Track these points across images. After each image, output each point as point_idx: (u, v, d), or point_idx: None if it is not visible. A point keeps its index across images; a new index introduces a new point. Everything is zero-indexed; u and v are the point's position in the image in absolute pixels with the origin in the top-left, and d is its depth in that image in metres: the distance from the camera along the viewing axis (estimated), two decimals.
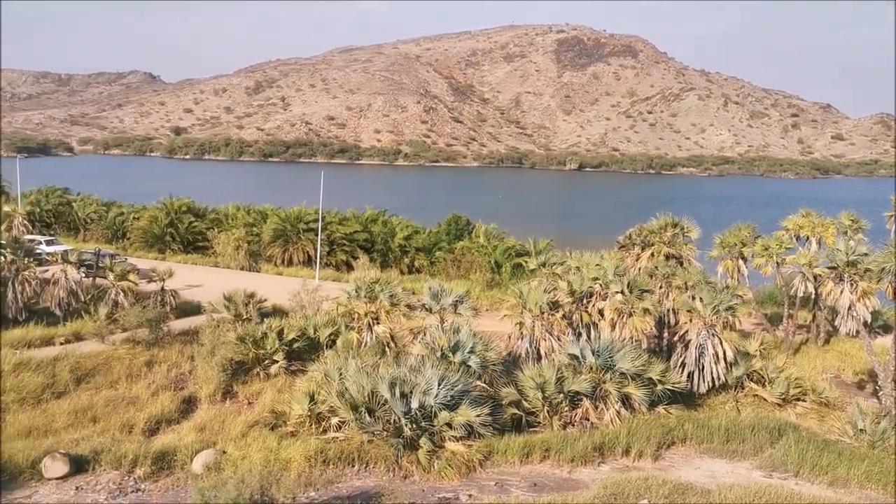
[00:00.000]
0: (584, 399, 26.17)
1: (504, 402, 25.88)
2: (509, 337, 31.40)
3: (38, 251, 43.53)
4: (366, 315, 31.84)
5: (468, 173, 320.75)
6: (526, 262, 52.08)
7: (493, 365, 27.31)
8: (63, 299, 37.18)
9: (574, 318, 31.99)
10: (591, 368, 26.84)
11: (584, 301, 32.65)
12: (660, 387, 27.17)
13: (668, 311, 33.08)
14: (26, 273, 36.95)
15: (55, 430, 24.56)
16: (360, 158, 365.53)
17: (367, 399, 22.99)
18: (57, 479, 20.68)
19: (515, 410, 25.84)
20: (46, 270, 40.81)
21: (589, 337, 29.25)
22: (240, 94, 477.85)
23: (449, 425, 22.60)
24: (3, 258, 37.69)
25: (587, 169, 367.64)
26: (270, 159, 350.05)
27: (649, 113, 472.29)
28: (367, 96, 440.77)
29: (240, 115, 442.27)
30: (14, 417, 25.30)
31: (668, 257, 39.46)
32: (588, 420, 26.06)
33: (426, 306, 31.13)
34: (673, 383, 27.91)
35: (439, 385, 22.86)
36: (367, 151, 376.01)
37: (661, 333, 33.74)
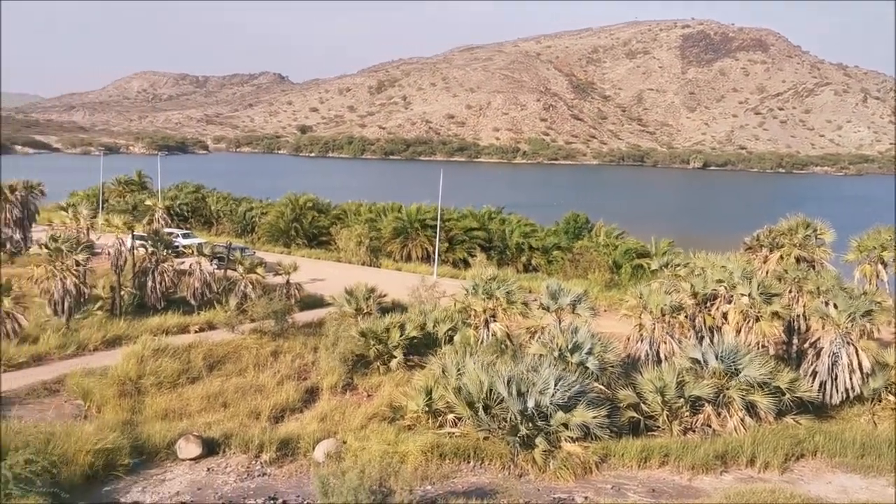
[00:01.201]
0: (706, 405, 25.34)
1: (622, 405, 25.40)
2: (628, 338, 30.79)
3: (175, 244, 46.02)
4: (483, 312, 31.97)
5: (588, 171, 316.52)
6: (647, 262, 51.00)
7: (612, 366, 26.85)
8: (197, 290, 39.15)
9: (696, 321, 31.05)
10: (714, 374, 25.97)
11: (708, 304, 31.62)
12: (788, 396, 25.99)
13: (798, 316, 31.57)
14: (165, 264, 39.13)
15: (189, 414, 25.85)
16: (478, 156, 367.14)
17: (483, 396, 23.10)
18: (190, 459, 21.80)
19: (633, 413, 25.30)
20: (183, 262, 43.14)
21: (712, 341, 28.30)
22: (363, 93, 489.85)
23: (565, 426, 22.40)
24: (144, 250, 40.20)
25: (712, 168, 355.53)
26: (391, 157, 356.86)
27: (780, 109, 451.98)
28: (487, 94, 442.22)
29: (362, 114, 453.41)
30: (152, 400, 26.80)
31: (798, 260, 37.66)
32: (710, 426, 25.22)
33: (544, 305, 30.92)
34: (802, 393, 26.63)
35: (556, 385, 22.71)
36: (486, 149, 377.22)
37: (790, 340, 32.22)
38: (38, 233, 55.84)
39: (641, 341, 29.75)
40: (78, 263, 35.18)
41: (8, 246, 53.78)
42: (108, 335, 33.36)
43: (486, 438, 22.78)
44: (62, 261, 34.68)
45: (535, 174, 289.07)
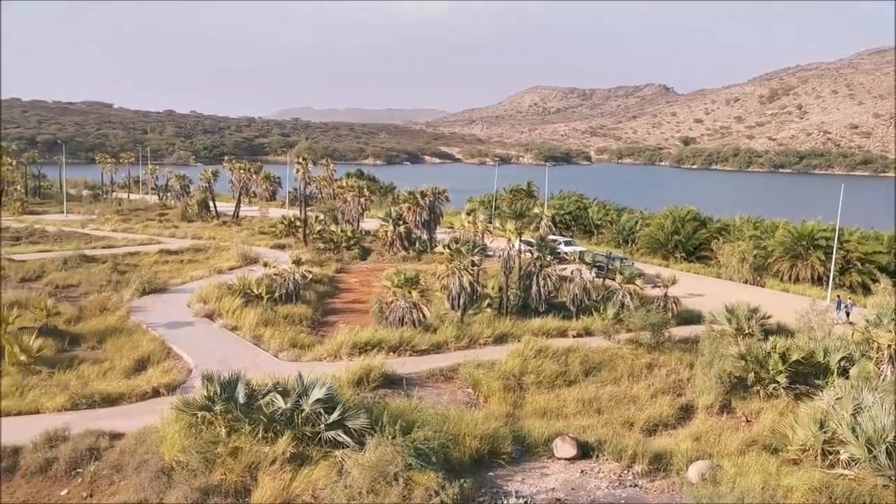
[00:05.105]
0: None
1: None
2: None
3: (558, 250, 48.06)
4: (888, 346, 28.48)
5: None
6: None
7: None
8: (577, 296, 40.46)
9: None
10: None
11: None
12: None
13: None
14: (548, 269, 41.14)
15: (565, 415, 26.85)
16: (885, 171, 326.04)
17: (886, 438, 20.59)
18: (565, 459, 22.68)
19: None
20: (564, 268, 44.95)
21: None
22: (752, 102, 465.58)
23: None
24: (530, 254, 42.70)
25: None
26: (780, 170, 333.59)
27: None
28: None
29: (751, 125, 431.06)
30: (532, 397, 28.41)
31: None
32: None
33: None
34: None
35: None
36: None
37: None
38: (441, 234, 62.43)
39: None
40: (473, 264, 38.55)
41: (416, 244, 60.99)
42: (495, 331, 36.07)
43: (885, 486, 20.27)
44: (461, 260, 38.26)
45: None
